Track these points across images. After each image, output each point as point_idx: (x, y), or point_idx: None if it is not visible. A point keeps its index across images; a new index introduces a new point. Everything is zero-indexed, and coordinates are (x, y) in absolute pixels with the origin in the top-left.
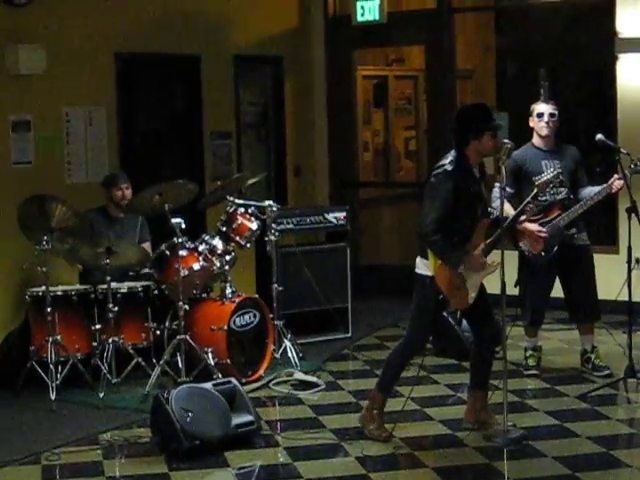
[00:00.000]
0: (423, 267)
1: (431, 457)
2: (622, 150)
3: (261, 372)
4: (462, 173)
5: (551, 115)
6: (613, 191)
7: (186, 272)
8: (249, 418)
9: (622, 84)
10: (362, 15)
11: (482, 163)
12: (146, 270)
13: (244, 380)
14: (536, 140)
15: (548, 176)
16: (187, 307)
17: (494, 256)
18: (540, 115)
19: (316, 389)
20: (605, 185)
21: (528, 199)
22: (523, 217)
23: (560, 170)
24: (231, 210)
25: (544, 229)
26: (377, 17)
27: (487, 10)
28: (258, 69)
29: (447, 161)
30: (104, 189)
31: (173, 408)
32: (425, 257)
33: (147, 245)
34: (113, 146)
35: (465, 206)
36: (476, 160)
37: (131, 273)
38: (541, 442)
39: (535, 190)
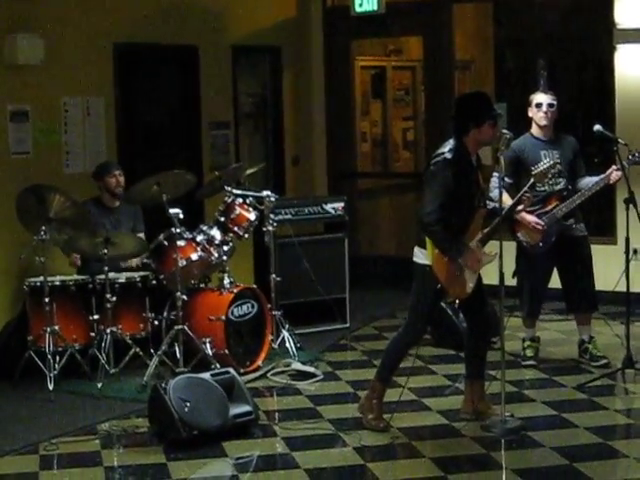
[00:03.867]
0: (422, 256)
1: (429, 447)
2: (620, 141)
3: (259, 362)
4: (461, 162)
5: (550, 105)
6: (611, 182)
7: (184, 262)
8: (247, 408)
9: (620, 75)
10: (360, 5)
11: (477, 153)
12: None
13: (242, 370)
14: (535, 130)
15: (544, 166)
16: (185, 297)
17: (492, 247)
18: (539, 105)
19: (314, 379)
20: (603, 176)
21: (525, 189)
22: (520, 207)
23: (559, 160)
24: (229, 200)
25: (541, 221)
26: (375, 7)
27: (486, 1)
28: (256, 59)
29: (446, 149)
30: (96, 180)
31: (171, 398)
32: (423, 247)
33: (141, 235)
34: (111, 136)
35: (463, 195)
36: (475, 149)
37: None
38: (539, 432)
39: (532, 180)
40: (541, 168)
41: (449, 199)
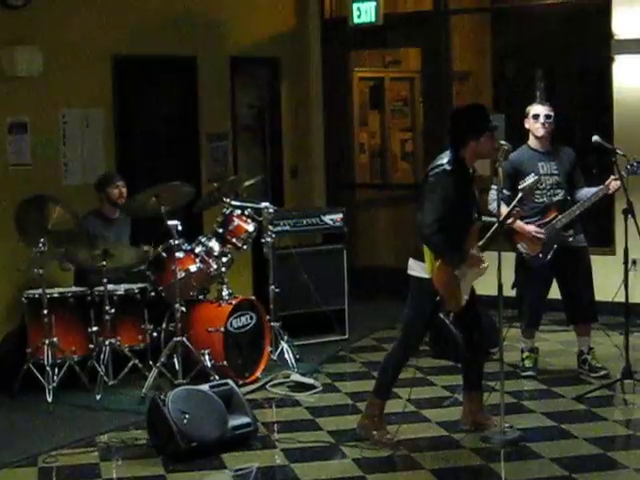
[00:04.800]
0: (419, 269)
1: (428, 459)
2: (618, 151)
3: (258, 374)
4: (460, 173)
5: (547, 116)
6: (610, 191)
7: (183, 274)
8: (246, 420)
9: (618, 86)
10: (358, 17)
11: (472, 165)
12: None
13: (241, 382)
14: (532, 142)
15: (530, 181)
16: (184, 309)
17: (488, 259)
18: (536, 116)
19: (313, 391)
20: (602, 186)
21: (514, 203)
22: (509, 220)
23: (557, 171)
24: (227, 212)
25: (541, 231)
26: (373, 19)
27: (483, 12)
28: (254, 71)
29: (444, 161)
30: (98, 190)
31: (170, 410)
32: (420, 259)
33: (149, 247)
34: (110, 148)
35: (462, 207)
36: (472, 161)
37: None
38: (538, 443)
39: (520, 195)
40: (527, 183)
41: (448, 211)
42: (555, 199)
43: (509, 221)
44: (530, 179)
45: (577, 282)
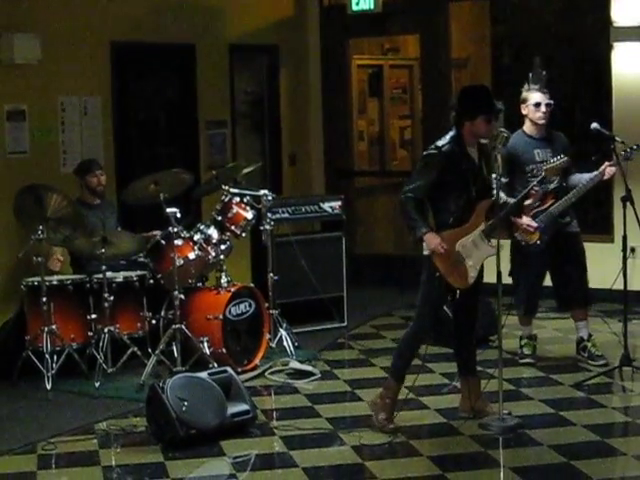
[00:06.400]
0: (424, 247)
1: (427, 446)
2: (617, 139)
3: (257, 361)
4: (456, 151)
5: (548, 105)
6: (606, 177)
7: (181, 261)
8: (245, 407)
9: (617, 73)
10: (357, 4)
11: (485, 144)
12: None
13: (240, 369)
14: (528, 128)
15: (555, 162)
16: (182, 296)
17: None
18: (537, 105)
19: (312, 378)
20: (597, 172)
21: (534, 182)
22: (528, 201)
23: (567, 158)
24: (226, 199)
25: (534, 223)
26: (372, 6)
27: None
28: (253, 58)
29: (440, 141)
30: (78, 177)
31: (169, 397)
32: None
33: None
34: (108, 135)
35: (456, 183)
36: (471, 141)
37: (123, 262)
38: (536, 430)
39: (542, 174)
40: (554, 164)
41: (443, 186)
42: (551, 186)
43: (527, 202)
44: (557, 160)
45: (570, 267)
